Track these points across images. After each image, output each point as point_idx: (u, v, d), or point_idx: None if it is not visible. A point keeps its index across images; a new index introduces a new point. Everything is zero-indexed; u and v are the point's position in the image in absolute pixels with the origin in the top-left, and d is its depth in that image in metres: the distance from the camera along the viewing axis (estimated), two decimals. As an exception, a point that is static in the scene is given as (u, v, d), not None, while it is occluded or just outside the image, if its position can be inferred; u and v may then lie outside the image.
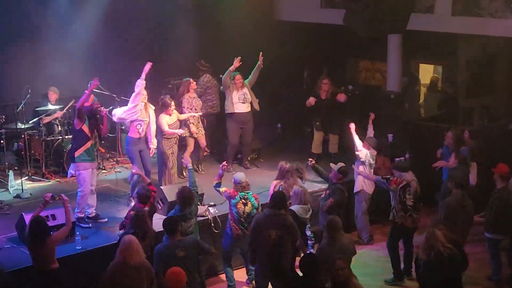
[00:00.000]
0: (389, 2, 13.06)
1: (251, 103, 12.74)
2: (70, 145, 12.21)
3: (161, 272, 7.88)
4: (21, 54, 12.94)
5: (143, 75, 10.77)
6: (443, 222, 9.37)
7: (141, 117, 10.98)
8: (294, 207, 9.71)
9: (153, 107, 11.31)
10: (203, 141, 12.64)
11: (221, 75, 13.88)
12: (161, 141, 11.46)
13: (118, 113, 11.12)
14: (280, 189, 9.93)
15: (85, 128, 10.14)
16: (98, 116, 10.27)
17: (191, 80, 12.57)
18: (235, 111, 12.65)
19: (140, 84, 10.79)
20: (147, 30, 14.60)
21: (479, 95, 15.06)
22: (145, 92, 10.98)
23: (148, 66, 10.77)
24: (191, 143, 12.47)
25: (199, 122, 12.49)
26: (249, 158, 13.26)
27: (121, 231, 9.14)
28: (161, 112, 11.45)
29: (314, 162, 10.76)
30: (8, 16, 12.94)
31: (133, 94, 10.89)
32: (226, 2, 14.89)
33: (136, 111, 10.89)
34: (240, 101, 12.68)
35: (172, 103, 11.39)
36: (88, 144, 10.19)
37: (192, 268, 8.27)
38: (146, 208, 8.94)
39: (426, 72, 16.53)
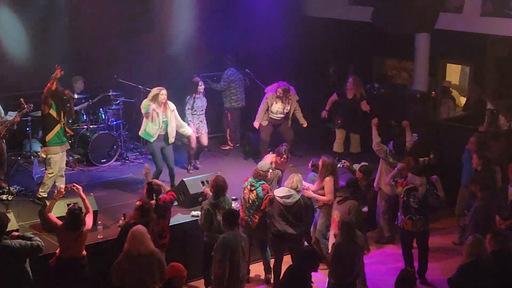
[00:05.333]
0: (418, 0, 12.97)
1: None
2: (85, 132, 12.42)
3: (227, 260, 8.14)
4: (49, 43, 13.07)
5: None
6: (475, 227, 9.31)
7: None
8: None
9: (173, 107, 11.33)
10: (203, 140, 12.72)
11: (247, 69, 13.94)
12: None
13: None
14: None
15: (53, 112, 10.52)
16: (65, 98, 10.65)
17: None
18: (269, 116, 12.82)
19: None
20: (175, 24, 14.62)
21: (506, 97, 14.91)
22: (164, 93, 11.06)
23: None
24: (193, 140, 12.51)
25: (201, 121, 12.54)
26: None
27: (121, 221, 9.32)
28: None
29: (347, 163, 10.68)
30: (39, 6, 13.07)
31: None
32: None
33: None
34: (278, 114, 12.79)
35: (285, 155, 10.89)
36: (58, 128, 10.56)
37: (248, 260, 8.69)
38: (153, 202, 9.00)
39: (454, 72, 16.39)
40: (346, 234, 8.44)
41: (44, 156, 10.67)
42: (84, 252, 8.41)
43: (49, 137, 10.55)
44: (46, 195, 10.64)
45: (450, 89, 15.42)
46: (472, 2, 13.26)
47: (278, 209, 9.54)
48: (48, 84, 10.39)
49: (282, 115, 12.91)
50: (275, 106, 12.79)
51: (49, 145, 10.58)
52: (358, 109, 13.09)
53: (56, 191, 8.96)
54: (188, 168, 12.66)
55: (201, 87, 12.57)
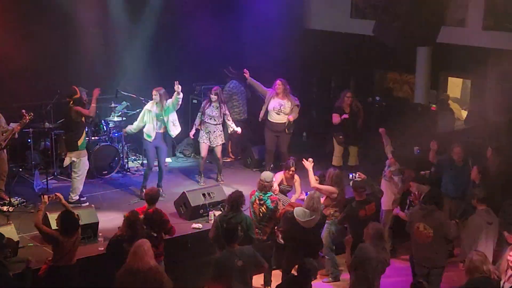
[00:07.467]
0: (420, 14, 12.98)
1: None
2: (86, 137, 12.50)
3: (216, 281, 7.89)
4: (51, 54, 13.08)
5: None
6: (466, 240, 9.28)
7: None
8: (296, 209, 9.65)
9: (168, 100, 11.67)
10: (217, 151, 12.67)
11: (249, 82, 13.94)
12: None
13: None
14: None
15: (82, 117, 11.30)
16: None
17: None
18: (269, 119, 12.75)
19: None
20: (177, 36, 14.64)
21: (508, 110, 14.92)
22: (154, 93, 11.62)
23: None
24: (203, 149, 12.50)
25: (215, 131, 12.51)
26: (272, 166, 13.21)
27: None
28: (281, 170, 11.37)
29: (362, 175, 10.67)
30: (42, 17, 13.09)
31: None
32: (256, 8, 14.91)
33: None
34: (274, 111, 12.69)
35: (293, 168, 11.04)
36: (85, 132, 11.46)
37: (248, 279, 8.20)
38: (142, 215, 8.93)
39: (455, 86, 16.41)
40: (377, 240, 8.39)
41: (75, 159, 11.18)
42: (75, 260, 8.39)
43: (80, 141, 11.22)
44: (77, 197, 11.26)
45: (449, 102, 15.42)
46: (474, 16, 13.28)
47: (299, 230, 9.40)
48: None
49: (279, 115, 12.80)
50: (272, 102, 12.74)
51: (81, 149, 11.22)
52: (357, 121, 13.09)
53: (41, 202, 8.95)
54: (217, 178, 12.89)
55: (214, 97, 12.54)
